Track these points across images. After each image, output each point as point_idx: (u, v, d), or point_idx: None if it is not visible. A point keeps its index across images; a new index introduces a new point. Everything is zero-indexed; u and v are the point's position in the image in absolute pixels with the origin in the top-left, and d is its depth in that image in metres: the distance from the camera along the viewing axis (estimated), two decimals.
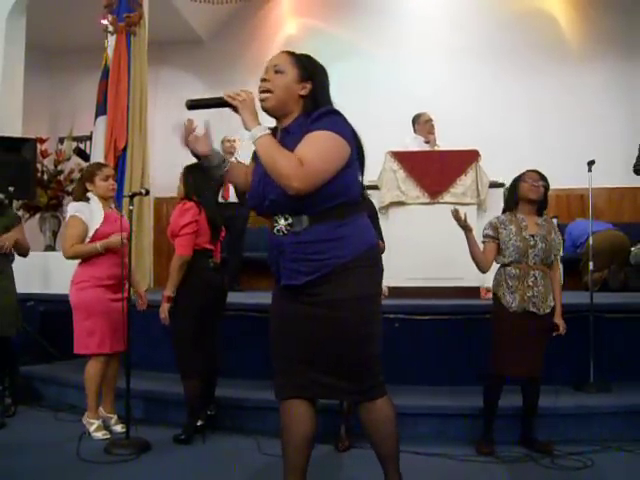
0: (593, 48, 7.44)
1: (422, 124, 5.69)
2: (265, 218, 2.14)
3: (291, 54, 2.16)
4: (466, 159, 4.94)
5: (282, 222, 2.04)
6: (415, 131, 5.73)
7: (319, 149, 1.97)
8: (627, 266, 5.95)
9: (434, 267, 4.60)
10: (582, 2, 7.64)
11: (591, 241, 4.41)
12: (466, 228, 3.29)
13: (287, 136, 2.08)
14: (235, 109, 2.06)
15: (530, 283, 3.20)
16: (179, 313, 3.49)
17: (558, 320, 3.25)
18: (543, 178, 3.31)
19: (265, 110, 2.11)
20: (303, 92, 2.11)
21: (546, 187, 3.30)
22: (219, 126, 6.13)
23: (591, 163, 4.05)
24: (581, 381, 3.83)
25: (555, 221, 6.97)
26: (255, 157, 2.14)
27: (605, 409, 3.48)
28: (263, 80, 2.10)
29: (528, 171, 3.35)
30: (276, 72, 2.09)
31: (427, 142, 5.60)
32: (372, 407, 2.13)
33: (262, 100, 2.09)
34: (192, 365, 3.46)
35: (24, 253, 4.17)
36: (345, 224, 2.05)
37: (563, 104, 7.36)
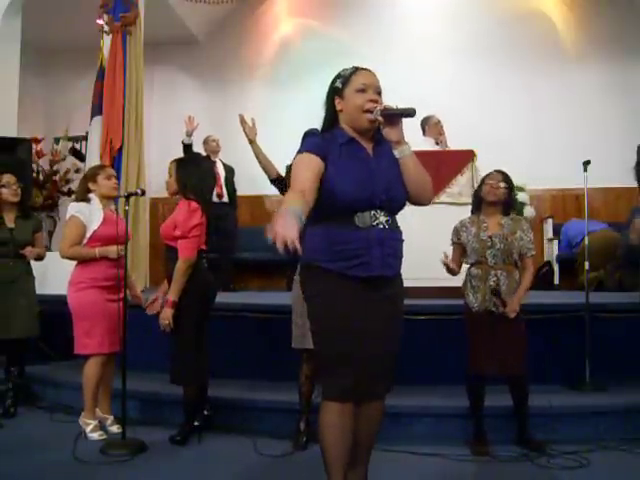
0: (589, 48, 7.46)
1: (432, 126, 5.67)
2: (338, 212, 2.18)
3: None
4: (462, 159, 4.94)
5: (382, 218, 2.20)
6: (424, 133, 5.70)
7: None
8: (622, 266, 5.97)
9: (429, 267, 4.56)
10: (578, 2, 7.66)
11: (586, 241, 4.41)
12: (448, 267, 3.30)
13: (385, 149, 2.29)
14: (395, 121, 2.24)
15: (492, 283, 3.23)
16: (183, 318, 3.39)
17: (513, 302, 3.17)
18: (506, 179, 3.33)
19: (369, 129, 2.26)
20: None
21: (509, 188, 3.33)
22: (201, 125, 6.17)
23: (587, 163, 4.06)
24: (577, 380, 3.84)
25: (550, 221, 7.03)
26: (349, 155, 2.23)
27: (601, 408, 3.49)
28: (373, 101, 2.23)
29: (492, 172, 3.38)
30: (378, 93, 2.28)
31: (438, 143, 5.60)
32: (378, 403, 2.28)
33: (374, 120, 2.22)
34: (195, 370, 3.42)
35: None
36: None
37: (559, 104, 7.38)
